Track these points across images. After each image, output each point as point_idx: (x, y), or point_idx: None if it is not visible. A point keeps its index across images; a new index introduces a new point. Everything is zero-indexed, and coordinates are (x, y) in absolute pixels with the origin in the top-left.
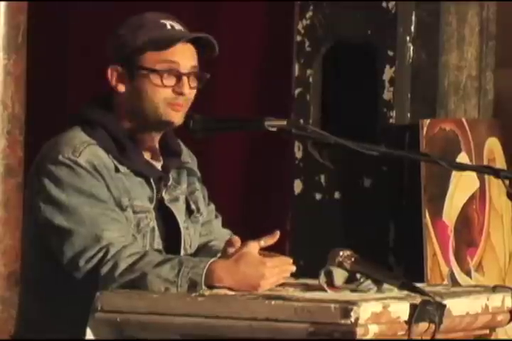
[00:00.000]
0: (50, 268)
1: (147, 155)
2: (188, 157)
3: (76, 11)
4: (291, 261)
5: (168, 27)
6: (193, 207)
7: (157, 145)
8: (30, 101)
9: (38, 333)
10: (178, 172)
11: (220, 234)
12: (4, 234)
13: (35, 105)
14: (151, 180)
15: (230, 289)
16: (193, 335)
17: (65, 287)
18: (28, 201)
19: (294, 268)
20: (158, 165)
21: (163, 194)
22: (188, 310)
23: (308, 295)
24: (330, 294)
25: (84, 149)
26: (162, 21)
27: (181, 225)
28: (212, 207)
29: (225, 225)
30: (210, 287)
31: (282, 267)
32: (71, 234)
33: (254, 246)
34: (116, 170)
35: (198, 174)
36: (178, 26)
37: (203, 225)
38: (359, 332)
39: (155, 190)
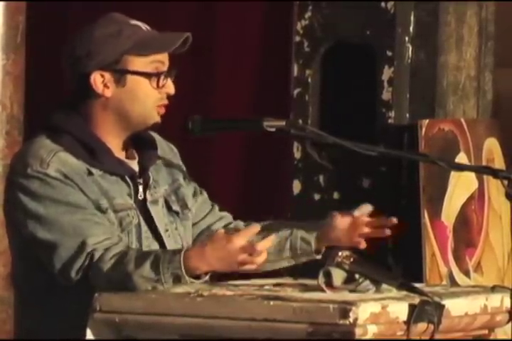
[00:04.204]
0: (42, 278)
1: (121, 155)
2: (169, 151)
3: (76, 11)
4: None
5: (144, 28)
6: (175, 208)
7: (131, 143)
8: (29, 102)
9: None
10: (157, 169)
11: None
12: (4, 234)
13: (34, 105)
14: (126, 178)
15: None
16: (192, 335)
17: (60, 294)
18: (8, 215)
19: (258, 227)
20: (134, 162)
21: (147, 194)
22: (186, 310)
23: (307, 295)
24: (329, 294)
25: (52, 159)
26: (133, 22)
27: (161, 230)
28: (205, 195)
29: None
30: (195, 276)
31: (246, 233)
32: (57, 246)
33: (220, 232)
34: (89, 173)
35: (182, 167)
36: (146, 25)
37: (209, 214)
38: (358, 332)
39: (132, 187)
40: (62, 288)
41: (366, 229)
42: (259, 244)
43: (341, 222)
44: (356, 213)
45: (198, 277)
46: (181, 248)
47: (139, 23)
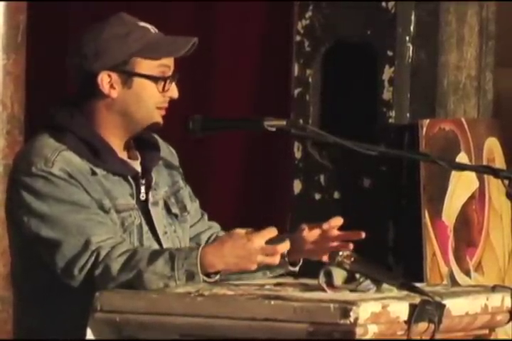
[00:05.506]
0: (42, 277)
1: (124, 155)
2: (169, 153)
3: (76, 11)
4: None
5: (152, 31)
6: (175, 210)
7: (133, 144)
8: (30, 102)
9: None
10: (158, 171)
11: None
12: (4, 234)
13: (35, 105)
14: (129, 178)
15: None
16: (193, 335)
17: (61, 293)
18: (10, 214)
19: (275, 230)
20: (136, 163)
21: (149, 195)
22: (187, 310)
23: (308, 295)
24: (329, 294)
25: (56, 158)
26: (142, 24)
27: (159, 232)
28: (197, 203)
29: (224, 225)
30: (207, 274)
31: (266, 234)
32: (60, 244)
33: (240, 231)
34: (93, 172)
35: (180, 170)
36: (154, 28)
37: (199, 222)
38: (358, 332)
39: (134, 188)
40: (62, 287)
41: (334, 243)
42: (279, 246)
43: (310, 234)
44: (325, 226)
45: (209, 276)
46: (199, 244)
47: (148, 26)
